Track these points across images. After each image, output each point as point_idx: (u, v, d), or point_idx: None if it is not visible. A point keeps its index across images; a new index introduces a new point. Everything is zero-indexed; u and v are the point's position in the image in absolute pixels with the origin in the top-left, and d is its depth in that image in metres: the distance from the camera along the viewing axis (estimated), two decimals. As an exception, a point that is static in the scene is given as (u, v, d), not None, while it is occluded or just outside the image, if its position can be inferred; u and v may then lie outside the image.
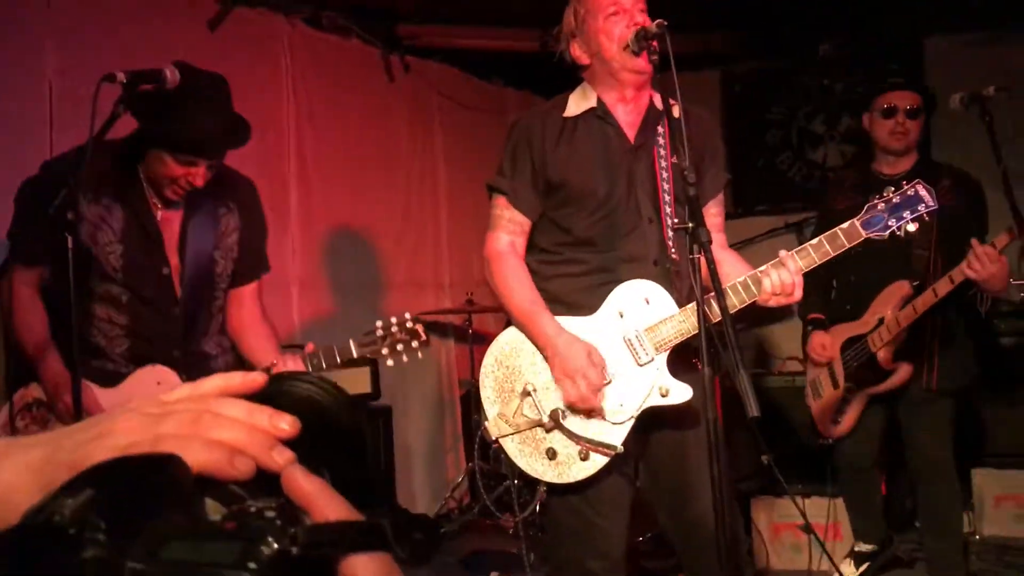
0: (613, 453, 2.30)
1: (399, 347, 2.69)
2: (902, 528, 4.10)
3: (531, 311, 2.38)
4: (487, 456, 4.64)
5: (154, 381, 2.58)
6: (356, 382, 4.31)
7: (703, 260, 2.02)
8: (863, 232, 2.34)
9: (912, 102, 3.41)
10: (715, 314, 2.14)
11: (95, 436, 0.56)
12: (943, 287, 3.16)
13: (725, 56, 5.93)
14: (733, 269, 2.41)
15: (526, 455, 2.35)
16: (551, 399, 2.34)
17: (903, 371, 3.40)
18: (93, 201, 2.51)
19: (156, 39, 3.89)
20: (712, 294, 2.08)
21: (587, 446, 2.30)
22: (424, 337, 2.72)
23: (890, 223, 2.34)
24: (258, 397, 0.61)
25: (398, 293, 5.11)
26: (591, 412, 2.31)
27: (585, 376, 2.26)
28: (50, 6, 3.56)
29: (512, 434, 2.35)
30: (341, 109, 4.96)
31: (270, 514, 0.48)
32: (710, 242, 2.03)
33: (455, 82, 5.83)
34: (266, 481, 0.54)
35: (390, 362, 2.72)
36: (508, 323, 2.50)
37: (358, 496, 0.58)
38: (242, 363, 2.81)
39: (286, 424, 0.58)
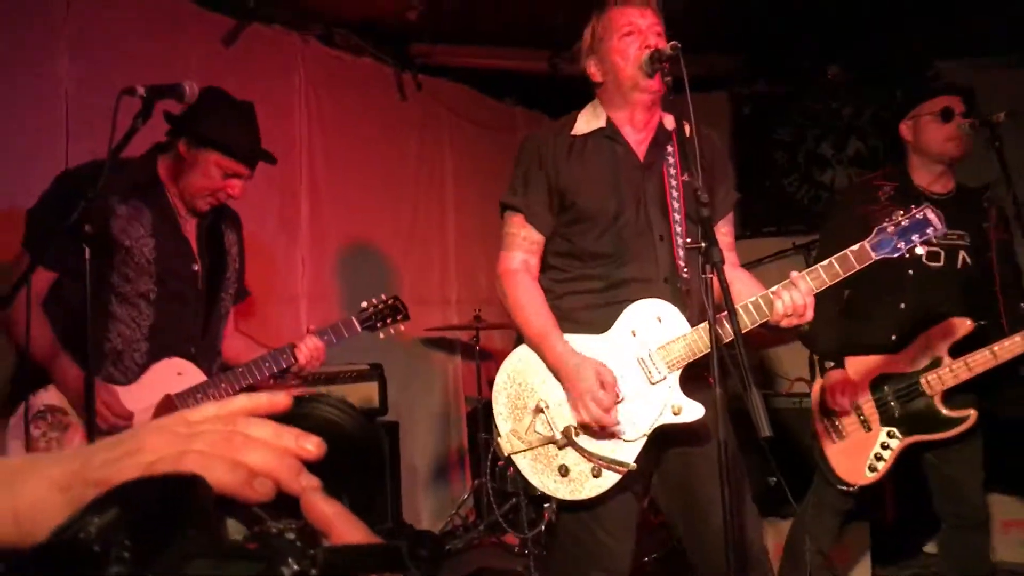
0: (626, 470, 2.30)
1: (387, 321, 3.02)
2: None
3: (543, 332, 2.38)
4: (494, 474, 4.64)
5: (175, 371, 2.67)
6: (363, 397, 4.31)
7: (715, 280, 2.02)
8: (873, 254, 2.31)
9: (963, 107, 3.10)
10: (727, 334, 2.15)
11: (124, 454, 0.56)
12: None
13: (734, 78, 5.96)
14: (745, 288, 2.41)
15: (538, 472, 2.34)
16: (564, 416, 2.34)
17: (971, 419, 3.00)
18: (122, 201, 2.63)
19: (171, 53, 3.93)
20: (724, 314, 2.08)
21: (600, 463, 2.31)
22: (403, 311, 3.05)
23: (899, 245, 2.31)
24: (281, 418, 0.62)
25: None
26: (605, 430, 2.31)
27: (595, 398, 2.26)
28: (67, 18, 3.60)
29: (524, 451, 2.35)
30: (353, 126, 4.99)
31: (291, 535, 0.50)
32: (723, 262, 2.03)
33: (466, 101, 5.86)
34: (287, 503, 0.55)
35: (382, 336, 3.03)
36: (519, 340, 2.51)
37: (375, 515, 0.59)
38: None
39: (311, 445, 0.59)
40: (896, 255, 2.32)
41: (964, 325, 3.01)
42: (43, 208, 2.64)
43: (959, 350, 3.02)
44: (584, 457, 2.32)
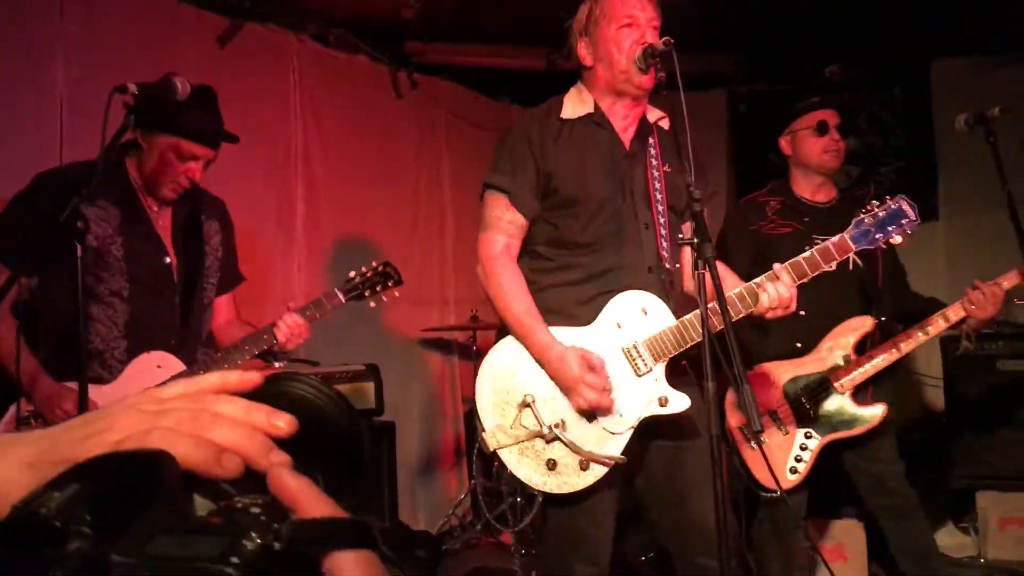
0: (613, 463, 2.30)
1: (378, 288, 2.92)
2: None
3: (527, 322, 2.36)
4: (489, 473, 4.63)
5: (154, 364, 2.67)
6: (359, 398, 4.30)
7: (707, 276, 2.02)
8: (852, 246, 2.38)
9: (837, 119, 3.27)
10: (713, 326, 2.16)
11: (93, 432, 0.56)
12: (935, 326, 3.02)
13: (732, 76, 5.95)
14: (724, 281, 2.41)
15: (525, 466, 2.33)
16: (552, 409, 2.34)
17: (882, 412, 3.08)
18: (88, 204, 2.59)
19: (167, 53, 3.93)
20: (711, 306, 2.09)
21: (588, 457, 2.30)
22: (396, 276, 2.94)
23: (877, 237, 2.38)
24: (256, 397, 0.61)
25: (403, 308, 5.11)
26: (600, 415, 2.31)
27: (585, 383, 2.26)
28: (62, 19, 3.60)
29: (511, 445, 2.34)
30: (349, 125, 4.98)
31: (255, 510, 0.49)
32: (715, 258, 2.04)
33: (462, 99, 5.86)
34: (258, 479, 0.54)
35: (372, 303, 2.95)
36: (501, 332, 2.49)
37: (351, 499, 0.58)
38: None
39: (283, 423, 0.58)
40: (873, 247, 2.40)
41: (866, 323, 3.12)
42: (21, 208, 2.62)
43: (864, 347, 3.12)
44: (572, 451, 2.31)
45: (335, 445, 0.64)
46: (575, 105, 2.51)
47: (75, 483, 0.46)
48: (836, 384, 3.10)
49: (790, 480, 3.09)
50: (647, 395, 2.33)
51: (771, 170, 6.02)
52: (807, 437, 3.11)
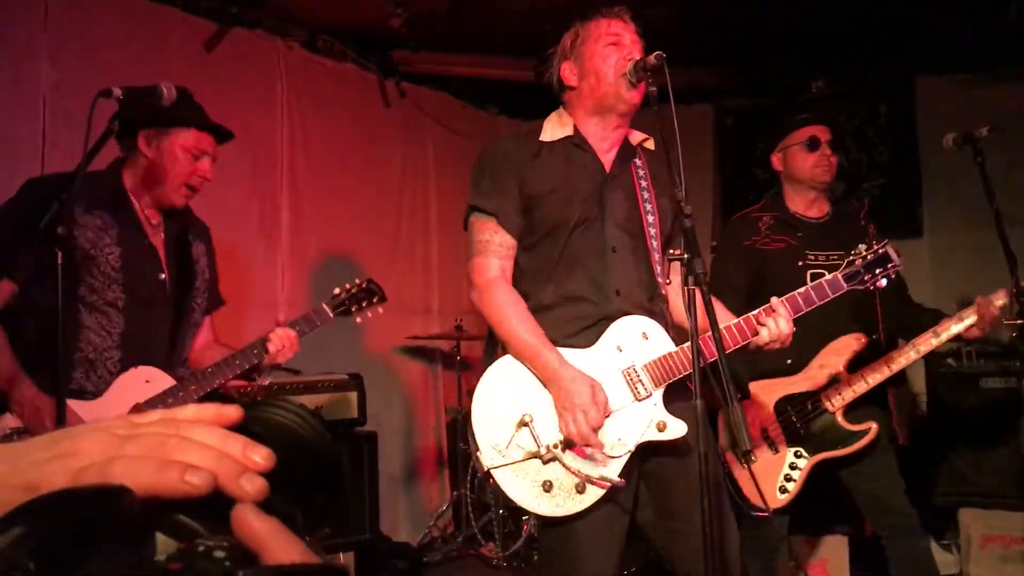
0: (611, 485, 2.26)
1: (363, 304, 2.98)
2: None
3: (534, 343, 2.30)
4: (473, 485, 4.61)
5: (143, 379, 2.62)
6: (342, 407, 4.27)
7: (698, 292, 2.02)
8: (845, 285, 2.43)
9: (828, 135, 3.29)
10: (709, 352, 2.15)
11: (55, 456, 0.52)
12: (927, 344, 3.02)
13: (718, 91, 5.98)
14: (717, 313, 2.42)
15: (519, 487, 2.26)
16: (549, 431, 2.28)
17: (873, 431, 3.06)
18: (87, 212, 2.58)
19: (152, 58, 3.90)
20: (709, 334, 2.07)
21: (585, 479, 2.26)
22: (379, 292, 3.00)
23: (866, 278, 2.46)
24: (234, 423, 0.58)
25: (386, 317, 5.05)
26: (588, 446, 2.28)
27: (587, 413, 2.22)
28: (47, 22, 3.56)
29: (506, 465, 2.27)
30: (335, 133, 4.96)
31: (219, 554, 0.46)
32: (705, 274, 2.03)
33: (449, 109, 5.85)
34: (227, 516, 0.50)
35: (358, 319, 3.00)
36: (490, 350, 2.43)
37: (331, 526, 0.55)
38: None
39: (260, 457, 0.53)
40: (863, 287, 2.47)
41: (858, 341, 3.10)
42: (5, 216, 2.58)
43: (855, 365, 3.10)
44: (570, 472, 2.25)
45: (315, 472, 0.61)
46: (555, 128, 2.48)
47: (20, 526, 0.43)
48: (827, 403, 3.09)
49: (780, 499, 3.07)
50: (647, 420, 2.31)
51: (757, 183, 6.09)
52: (797, 456, 3.09)
